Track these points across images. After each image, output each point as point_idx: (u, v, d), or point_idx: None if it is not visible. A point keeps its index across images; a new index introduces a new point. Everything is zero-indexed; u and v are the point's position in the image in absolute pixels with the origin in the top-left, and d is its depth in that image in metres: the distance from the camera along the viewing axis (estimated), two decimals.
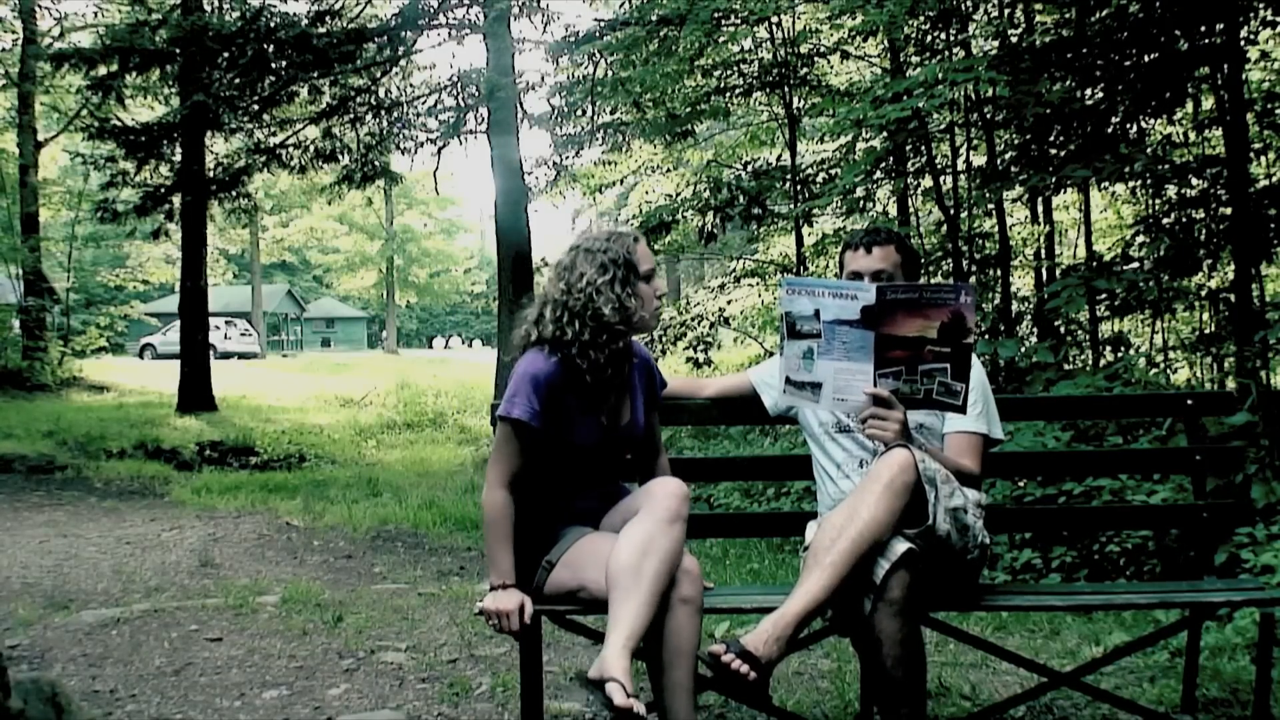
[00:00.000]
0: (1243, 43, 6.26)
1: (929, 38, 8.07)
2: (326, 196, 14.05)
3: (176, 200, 12.27)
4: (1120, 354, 6.97)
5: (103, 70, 11.21)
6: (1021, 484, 4.95)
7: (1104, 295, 6.56)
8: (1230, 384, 6.15)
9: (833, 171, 9.78)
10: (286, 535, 6.22)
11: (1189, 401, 2.90)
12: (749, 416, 2.93)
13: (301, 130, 12.47)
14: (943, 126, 7.96)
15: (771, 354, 5.12)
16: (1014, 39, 7.46)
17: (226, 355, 30.87)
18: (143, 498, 7.84)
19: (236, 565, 5.35)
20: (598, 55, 11.07)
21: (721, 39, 9.53)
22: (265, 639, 3.84)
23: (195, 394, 13.77)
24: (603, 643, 2.14)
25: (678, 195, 11.31)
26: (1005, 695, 3.07)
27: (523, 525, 2.41)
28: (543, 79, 11.72)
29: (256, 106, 11.67)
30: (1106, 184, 6.90)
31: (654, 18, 9.49)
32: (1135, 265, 6.83)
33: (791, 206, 9.69)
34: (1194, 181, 6.51)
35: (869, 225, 5.10)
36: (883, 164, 8.56)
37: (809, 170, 10.20)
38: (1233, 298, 6.23)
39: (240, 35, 10.64)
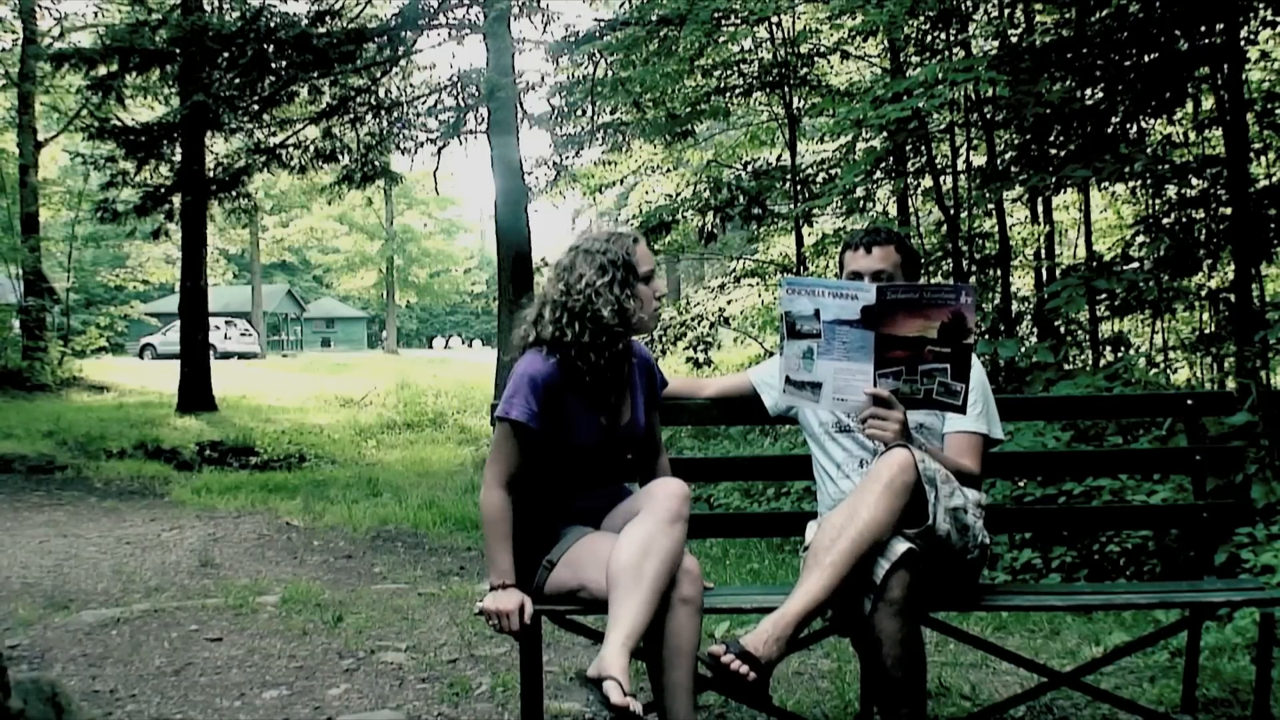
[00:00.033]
0: (1243, 43, 6.26)
1: (929, 38, 8.07)
2: (326, 196, 14.05)
3: (176, 200, 12.27)
4: (1120, 354, 6.97)
5: (103, 70, 11.21)
6: (1021, 484, 4.95)
7: (1104, 295, 6.56)
8: (1230, 384, 6.15)
9: (833, 171, 9.78)
10: (286, 535, 6.22)
11: (1189, 401, 2.90)
12: (749, 416, 2.93)
13: (301, 130, 12.47)
14: (943, 126, 7.96)
15: (771, 354, 5.12)
16: (1014, 39, 7.46)
17: (226, 355, 30.88)
18: (143, 498, 7.84)
19: (236, 565, 5.35)
20: (598, 55, 11.07)
21: (721, 39, 9.53)
22: (265, 639, 3.84)
23: (195, 394, 13.77)
24: (602, 642, 2.14)
25: (678, 195, 11.31)
26: (1005, 695, 3.07)
27: (523, 525, 2.42)
28: (543, 79, 11.73)
29: (256, 106, 11.67)
30: (1106, 184, 6.90)
31: (654, 18, 9.49)
32: (1135, 265, 6.83)
33: (791, 206, 9.69)
34: (1194, 181, 6.51)
35: (869, 225, 5.10)
36: (883, 164, 8.56)
37: (809, 170, 10.20)
38: (1233, 298, 6.23)
39: (240, 35, 10.64)
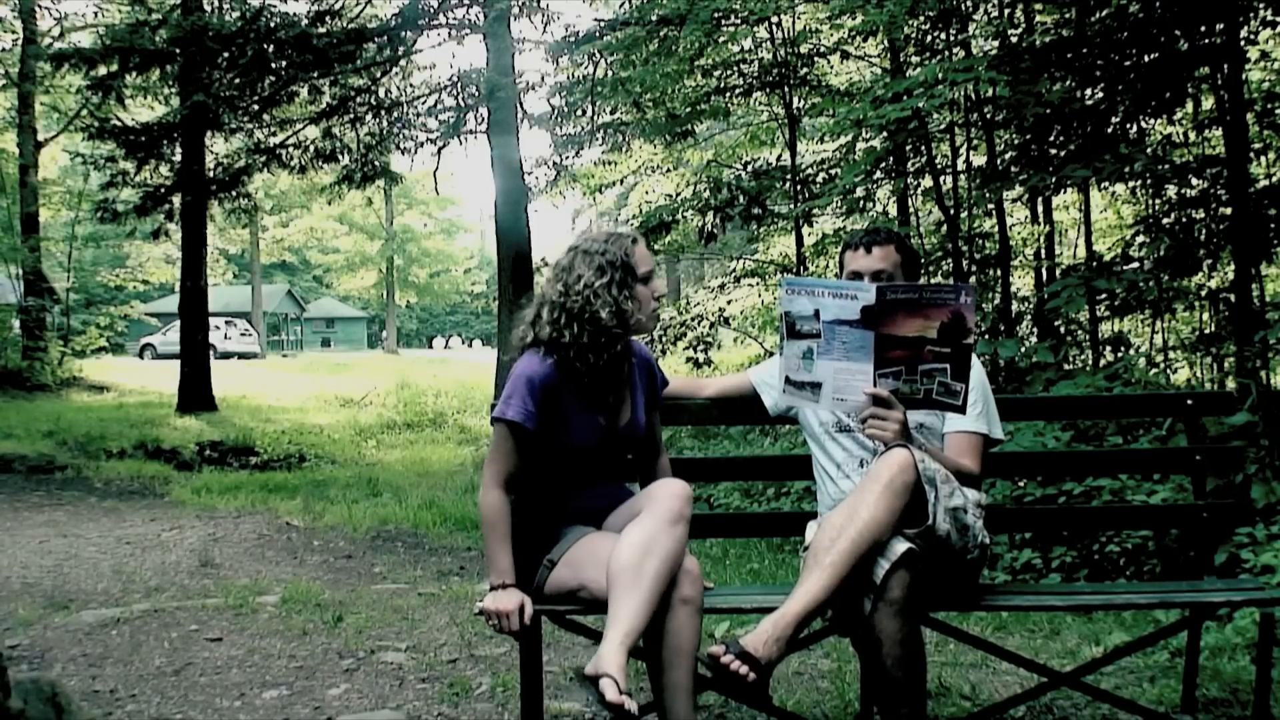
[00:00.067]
0: (1243, 43, 6.26)
1: (929, 38, 8.06)
2: (326, 196, 14.06)
3: (176, 200, 12.27)
4: (1120, 354, 6.97)
5: (103, 70, 11.21)
6: (1021, 484, 4.95)
7: (1104, 295, 6.56)
8: (1230, 384, 6.15)
9: (833, 171, 9.78)
10: (286, 535, 6.22)
11: (1189, 401, 2.90)
12: (749, 416, 2.93)
13: (301, 130, 12.48)
14: (943, 126, 7.96)
15: (771, 354, 5.12)
16: (1014, 39, 7.46)
17: (226, 355, 30.88)
18: (143, 498, 7.84)
19: (236, 565, 5.35)
20: (598, 55, 11.07)
21: (721, 39, 9.53)
22: (265, 639, 3.84)
23: (195, 394, 13.77)
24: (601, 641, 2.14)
25: (678, 195, 11.31)
26: (1005, 695, 3.07)
27: (524, 525, 2.42)
28: (543, 79, 11.74)
29: (256, 106, 11.67)
30: (1106, 184, 6.90)
31: (654, 18, 9.50)
32: (1135, 265, 6.83)
33: (791, 206, 9.69)
34: (1194, 181, 6.51)
35: (869, 225, 5.10)
36: (883, 164, 8.56)
37: (809, 170, 10.20)
38: (1233, 298, 6.22)
39: (240, 35, 10.64)
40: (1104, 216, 8.97)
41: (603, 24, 11.12)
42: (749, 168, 11.24)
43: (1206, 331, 6.78)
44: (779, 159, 10.87)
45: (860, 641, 2.31)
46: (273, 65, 10.94)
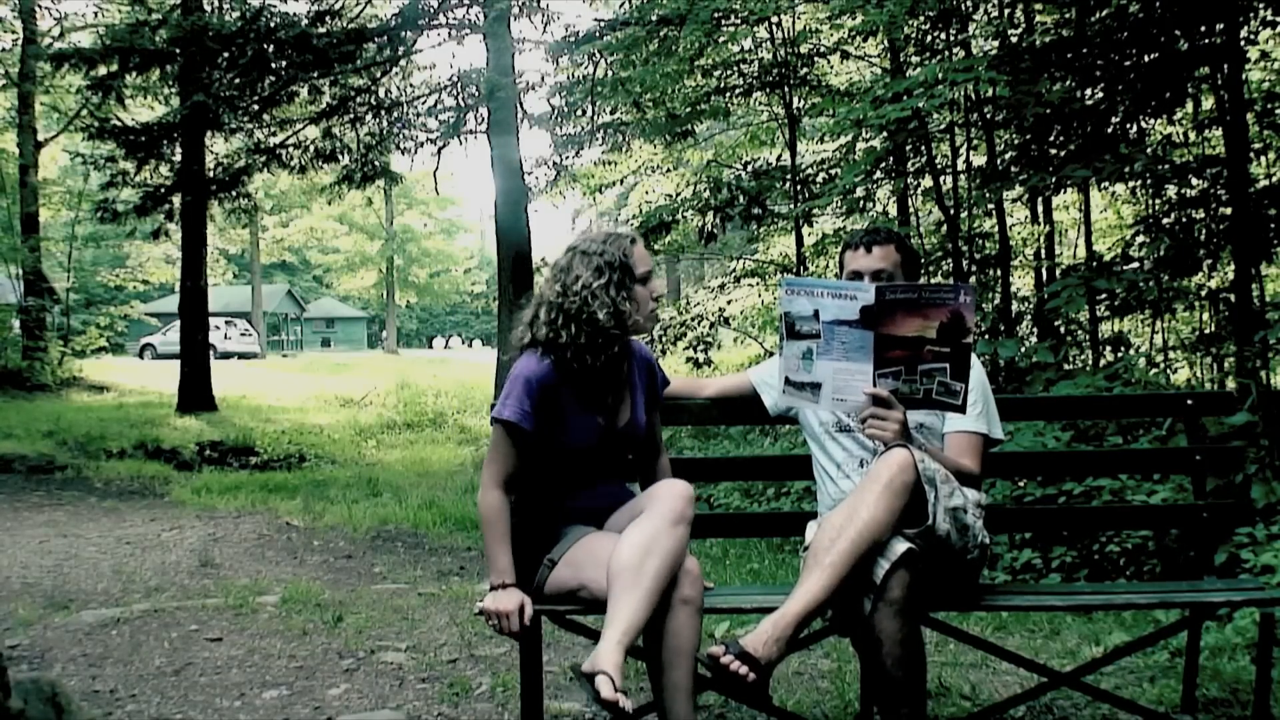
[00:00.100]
0: (1243, 43, 6.26)
1: (929, 38, 8.06)
2: (326, 196, 14.06)
3: (176, 200, 12.27)
4: (1120, 354, 6.97)
5: (103, 70, 11.22)
6: (1021, 484, 4.95)
7: (1104, 295, 6.56)
8: (1230, 384, 6.15)
9: (833, 171, 9.78)
10: (286, 535, 6.22)
11: (1189, 401, 2.90)
12: (749, 416, 2.93)
13: (301, 130, 12.48)
14: (943, 126, 7.96)
15: (771, 354, 5.11)
16: (1014, 39, 7.46)
17: (226, 355, 30.89)
18: (143, 498, 7.84)
19: (236, 565, 5.35)
20: (598, 55, 11.07)
21: (721, 39, 9.53)
22: (265, 639, 3.84)
23: (195, 394, 13.78)
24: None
25: (678, 195, 11.31)
26: (1005, 695, 3.07)
27: (525, 525, 2.42)
28: (543, 79, 11.74)
29: (256, 106, 11.67)
30: (1106, 184, 6.90)
31: (654, 18, 9.50)
32: (1135, 265, 6.83)
33: (791, 206, 9.69)
34: (1194, 181, 6.51)
35: (869, 225, 5.10)
36: (883, 164, 8.56)
37: (809, 170, 10.20)
38: (1233, 298, 6.22)
39: (240, 35, 10.64)
40: (1104, 216, 8.97)
41: (603, 24, 11.12)
42: (749, 168, 11.24)
43: (1206, 331, 6.78)
44: (779, 159, 10.87)
45: (860, 641, 2.31)
46: (273, 65, 10.94)
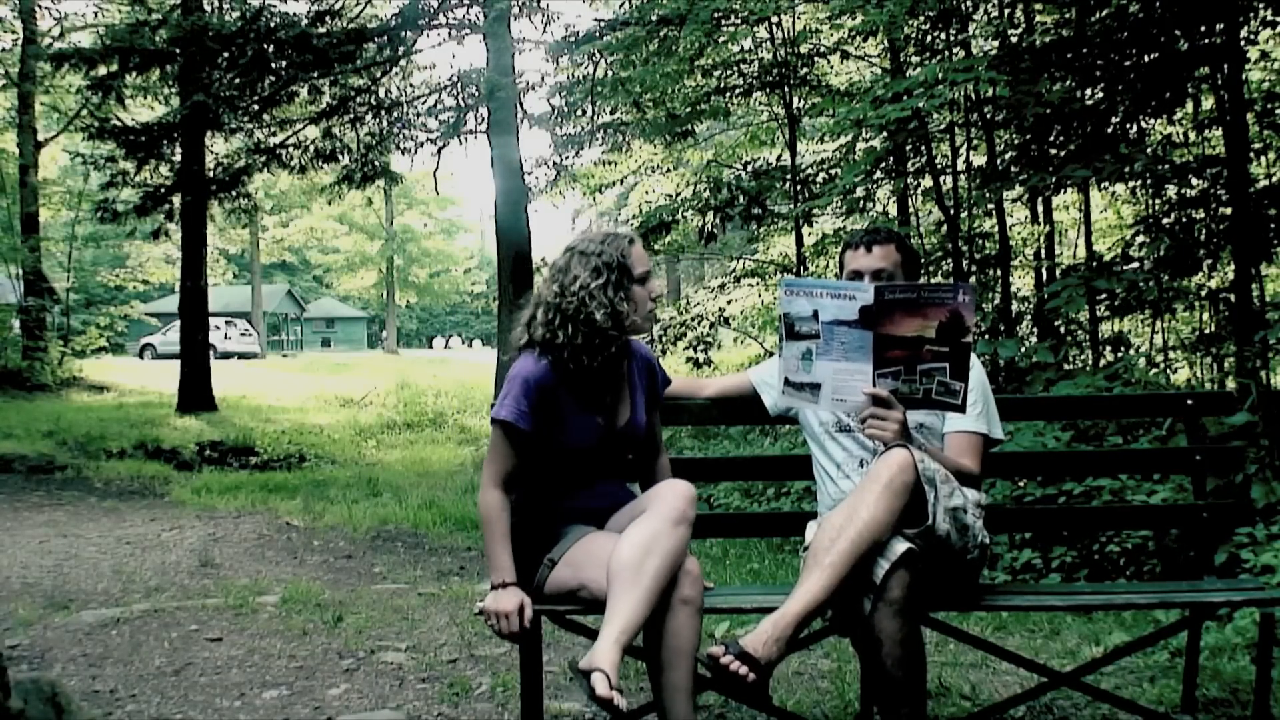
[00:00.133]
0: (1243, 43, 6.26)
1: (929, 38, 8.06)
2: (326, 196, 14.06)
3: (176, 200, 12.27)
4: (1120, 354, 6.97)
5: (103, 70, 11.22)
6: (1021, 484, 4.95)
7: (1104, 295, 6.56)
8: (1230, 384, 6.15)
9: (833, 171, 9.78)
10: (286, 535, 6.22)
11: (1189, 401, 2.90)
12: (749, 416, 2.93)
13: (301, 130, 12.48)
14: (943, 126, 7.96)
15: (771, 354, 5.11)
16: (1014, 39, 7.46)
17: (226, 355, 30.89)
18: (143, 498, 7.84)
19: (236, 565, 5.35)
20: (598, 55, 11.07)
21: (721, 39, 9.53)
22: (265, 639, 3.84)
23: (195, 394, 13.78)
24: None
25: (678, 195, 11.31)
26: (1005, 695, 3.07)
27: (525, 524, 2.42)
28: (543, 79, 11.74)
29: (256, 106, 11.67)
30: (1106, 184, 6.90)
31: (654, 18, 9.49)
32: (1135, 265, 6.83)
33: (791, 206, 9.69)
34: (1194, 181, 6.51)
35: (869, 225, 5.10)
36: (883, 164, 8.56)
37: (809, 170, 10.20)
38: (1233, 298, 6.22)
39: (240, 35, 10.65)
40: (1104, 216, 8.97)
41: (603, 24, 11.12)
42: (749, 168, 11.25)
43: (1206, 331, 6.78)
44: (779, 159, 10.88)
45: (860, 641, 2.31)
46: (273, 65, 10.94)
